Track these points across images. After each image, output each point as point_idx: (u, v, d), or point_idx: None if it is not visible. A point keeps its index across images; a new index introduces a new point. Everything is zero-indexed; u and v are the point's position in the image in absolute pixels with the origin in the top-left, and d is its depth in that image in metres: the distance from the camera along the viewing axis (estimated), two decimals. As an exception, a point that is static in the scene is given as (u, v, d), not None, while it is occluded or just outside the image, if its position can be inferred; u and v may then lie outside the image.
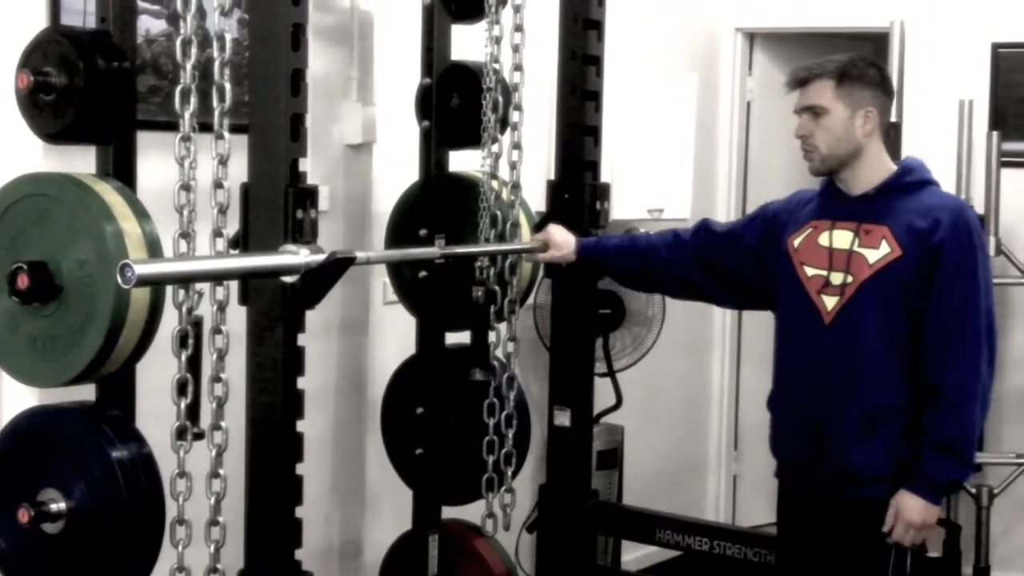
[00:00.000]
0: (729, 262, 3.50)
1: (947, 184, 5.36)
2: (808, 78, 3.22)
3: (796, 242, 3.26)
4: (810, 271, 3.20)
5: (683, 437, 6.07)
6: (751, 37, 6.22)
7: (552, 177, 4.05)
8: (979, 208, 5.25)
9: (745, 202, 6.22)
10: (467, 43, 3.87)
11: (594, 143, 3.95)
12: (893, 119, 5.10)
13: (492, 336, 3.71)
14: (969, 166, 5.35)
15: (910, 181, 3.22)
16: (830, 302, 3.16)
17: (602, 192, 3.97)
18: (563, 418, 4.00)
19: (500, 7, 3.62)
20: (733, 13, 6.12)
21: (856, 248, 3.14)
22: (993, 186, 5.13)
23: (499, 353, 3.71)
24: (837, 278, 3.15)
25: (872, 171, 3.21)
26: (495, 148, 3.65)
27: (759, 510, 6.33)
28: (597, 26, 3.95)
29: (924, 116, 5.46)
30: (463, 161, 3.92)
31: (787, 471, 3.38)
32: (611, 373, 4.91)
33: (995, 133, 5.16)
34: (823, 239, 3.20)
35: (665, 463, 5.84)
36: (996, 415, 5.42)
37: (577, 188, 3.93)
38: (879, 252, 3.11)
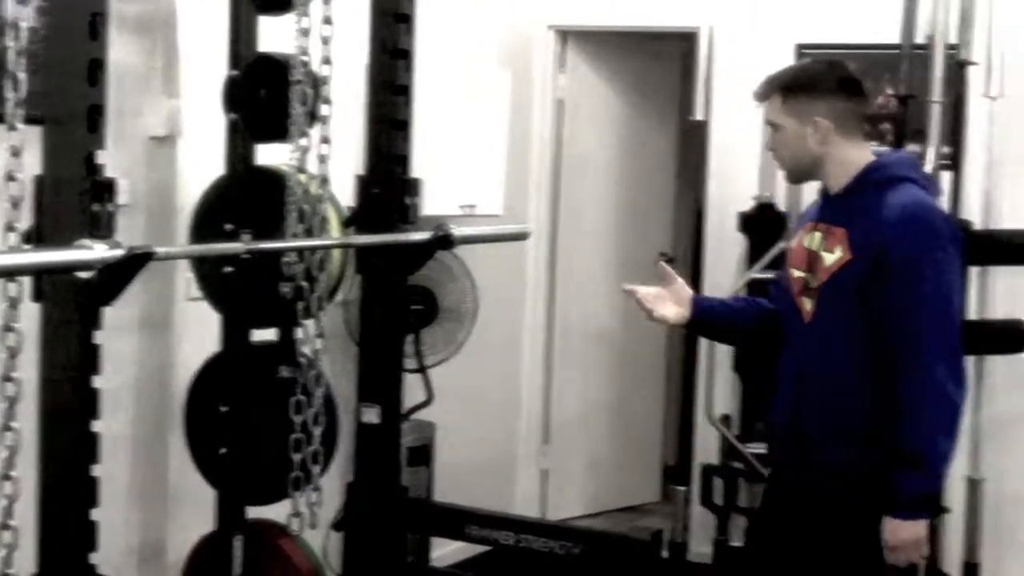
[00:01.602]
0: None
1: (752, 182, 5.53)
2: (762, 94, 3.23)
3: (792, 245, 3.29)
4: (795, 273, 3.21)
5: (494, 432, 6.09)
6: (564, 35, 6.26)
7: (361, 172, 4.01)
8: (782, 206, 5.38)
9: (557, 200, 6.26)
10: (276, 35, 3.80)
11: (404, 138, 3.93)
12: (700, 117, 5.29)
13: (299, 333, 3.66)
14: (773, 164, 5.45)
15: (877, 179, 3.15)
16: (808, 304, 3.16)
17: (412, 187, 3.95)
18: (371, 415, 3.97)
19: (309, -2, 3.56)
20: (546, 11, 6.15)
21: (820, 250, 3.14)
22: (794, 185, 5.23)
23: (306, 350, 3.66)
24: (812, 280, 3.15)
25: (841, 172, 3.17)
26: (303, 142, 3.58)
27: (569, 503, 6.39)
28: (407, 20, 3.93)
29: (732, 115, 5.55)
30: (271, 155, 3.86)
31: (775, 468, 3.43)
32: (422, 369, 4.89)
33: (798, 133, 5.26)
34: (807, 241, 3.20)
35: (476, 459, 5.85)
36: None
37: (386, 183, 3.90)
38: (834, 255, 3.10)
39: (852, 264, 3.06)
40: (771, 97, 3.19)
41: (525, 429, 6.28)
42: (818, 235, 3.16)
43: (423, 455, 5.03)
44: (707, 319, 3.39)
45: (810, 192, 5.13)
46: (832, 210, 3.18)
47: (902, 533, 3.05)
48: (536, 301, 6.25)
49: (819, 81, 3.19)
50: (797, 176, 3.28)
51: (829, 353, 3.14)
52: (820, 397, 3.16)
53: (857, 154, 3.18)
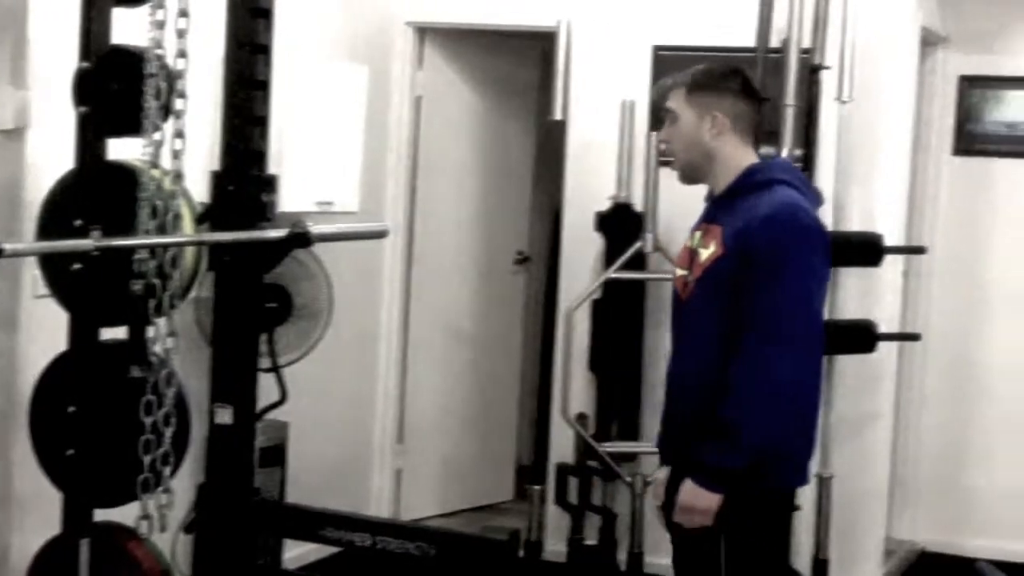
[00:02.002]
0: None
1: (609, 182, 5.56)
2: (668, 87, 3.36)
3: (682, 248, 3.42)
4: (679, 272, 3.35)
5: (348, 432, 6.03)
6: (422, 32, 6.22)
7: (216, 168, 3.94)
8: (638, 206, 5.42)
9: (414, 197, 6.23)
10: (130, 27, 3.71)
11: (261, 134, 3.88)
12: (559, 117, 5.30)
13: (151, 331, 3.57)
14: (630, 165, 5.51)
15: (755, 181, 3.26)
16: (685, 298, 3.30)
17: (269, 184, 3.89)
18: (224, 416, 3.90)
19: (164, -10, 3.48)
20: (404, 7, 6.11)
21: (698, 247, 3.26)
22: (651, 185, 5.28)
23: (158, 349, 3.58)
24: (689, 276, 3.27)
25: (727, 173, 3.29)
26: (157, 136, 3.51)
27: (423, 503, 6.36)
28: (266, 15, 3.88)
29: (589, 115, 5.59)
30: (124, 149, 3.76)
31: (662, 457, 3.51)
32: (276, 369, 4.81)
33: (654, 134, 5.31)
34: (690, 242, 3.34)
35: (330, 459, 5.79)
36: (649, 405, 5.60)
37: (242, 180, 3.84)
38: (708, 251, 3.22)
39: (723, 259, 3.17)
40: (676, 89, 3.32)
41: (380, 429, 6.23)
42: (699, 234, 3.30)
43: (276, 455, 4.96)
44: None
45: (671, 194, 5.28)
46: (714, 211, 3.31)
47: (698, 500, 3.16)
48: (392, 299, 6.20)
49: (725, 79, 3.33)
50: (689, 172, 3.36)
51: (698, 341, 3.27)
52: (689, 386, 3.28)
53: (743, 156, 3.31)
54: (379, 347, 6.20)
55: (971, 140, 6.17)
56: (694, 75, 3.33)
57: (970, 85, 6.15)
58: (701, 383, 3.23)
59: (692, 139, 3.29)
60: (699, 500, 3.16)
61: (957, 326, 6.17)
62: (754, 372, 3.10)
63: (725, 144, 3.29)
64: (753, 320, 3.12)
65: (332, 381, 5.71)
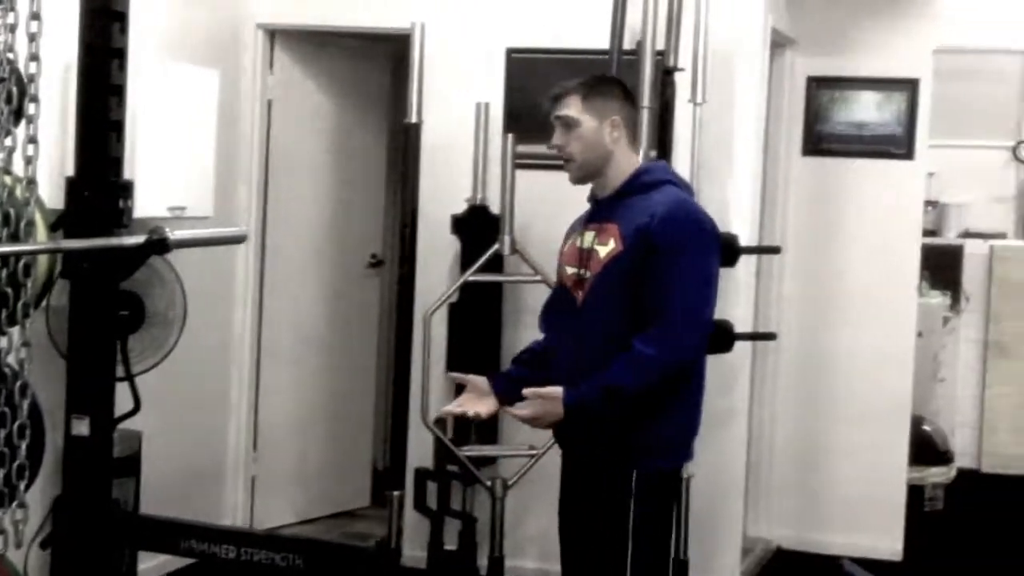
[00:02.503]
0: None
1: (465, 184, 5.55)
2: (559, 95, 3.53)
3: (565, 248, 3.62)
4: (569, 270, 3.54)
5: (202, 440, 5.92)
6: (272, 34, 6.14)
7: (70, 173, 3.83)
8: (495, 209, 5.41)
9: (267, 200, 6.14)
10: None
11: (117, 139, 3.78)
12: (414, 119, 5.27)
13: (2, 341, 3.45)
14: (486, 167, 5.51)
15: (644, 182, 3.50)
16: (579, 295, 3.48)
17: (125, 190, 3.80)
18: (81, 427, 3.79)
19: (15, -8, 3.37)
20: (254, 9, 6.02)
21: (594, 246, 3.45)
22: (508, 187, 5.28)
23: (11, 360, 3.46)
24: (584, 273, 3.47)
25: (619, 175, 3.51)
26: (8, 142, 3.39)
27: (278, 511, 6.28)
28: (121, 18, 3.78)
29: (444, 117, 5.56)
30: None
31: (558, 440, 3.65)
32: (129, 377, 4.69)
33: (510, 136, 5.30)
34: (578, 241, 3.54)
35: (183, 468, 5.68)
36: (510, 409, 5.60)
37: (99, 185, 3.73)
38: (607, 248, 3.42)
39: (623, 254, 3.40)
40: (569, 96, 3.50)
41: (234, 436, 6.13)
42: (591, 234, 3.49)
43: (130, 466, 4.83)
44: (514, 391, 3.54)
45: (527, 197, 5.30)
46: (603, 211, 3.51)
47: (546, 411, 3.37)
48: (245, 304, 6.11)
49: (614, 86, 3.63)
50: (585, 172, 3.54)
51: (597, 334, 3.45)
52: (586, 367, 3.40)
53: (632, 160, 3.58)
54: (232, 353, 6.10)
55: (820, 140, 6.30)
56: (586, 83, 3.54)
57: (818, 86, 6.28)
58: (595, 367, 3.37)
59: (592, 143, 3.49)
60: (548, 410, 3.37)
61: (808, 325, 6.29)
62: (644, 358, 3.33)
63: (619, 148, 3.51)
64: (658, 299, 3.34)
65: (184, 389, 5.60)
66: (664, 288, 3.36)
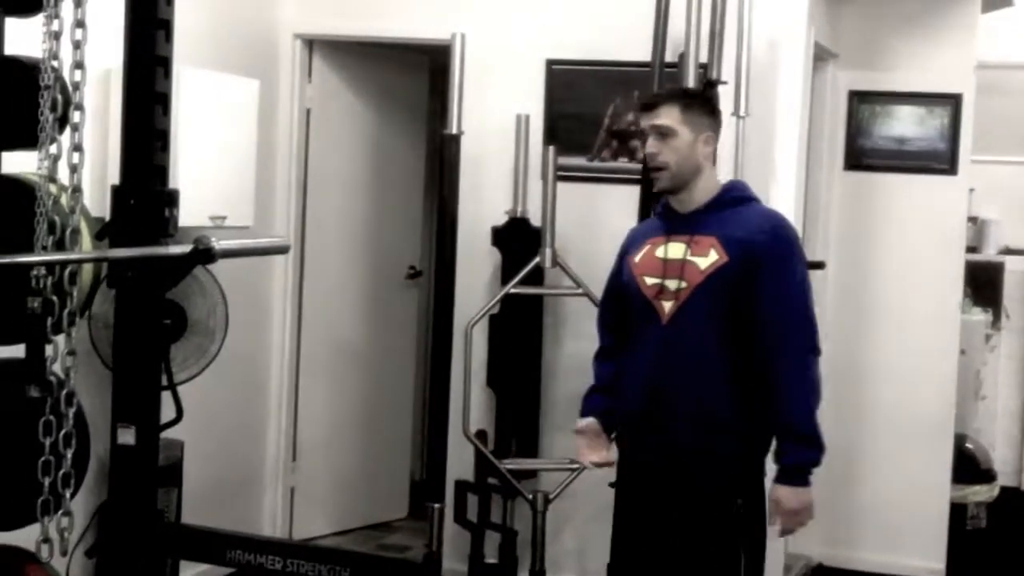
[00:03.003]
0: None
1: (504, 196, 5.53)
2: (655, 103, 3.65)
3: (636, 258, 3.67)
4: (649, 280, 3.60)
5: (241, 450, 5.92)
6: (310, 44, 6.14)
7: (111, 181, 3.82)
8: (535, 221, 5.39)
9: (305, 210, 6.13)
10: (25, 37, 3.59)
11: (163, 147, 3.75)
12: (454, 130, 5.25)
13: (48, 349, 3.45)
14: (526, 179, 5.48)
15: (733, 197, 3.66)
16: (667, 305, 3.56)
17: (170, 198, 3.77)
18: (127, 436, 3.77)
19: (60, 0, 3.37)
20: (292, 19, 6.02)
21: (689, 257, 3.54)
22: (549, 199, 5.26)
23: (56, 368, 3.45)
24: (672, 284, 3.55)
25: (705, 190, 3.64)
26: (53, 149, 3.39)
27: (316, 521, 6.27)
28: (166, 26, 3.74)
29: (484, 128, 5.55)
30: (20, 163, 3.63)
31: (630, 458, 3.76)
32: (172, 386, 4.68)
33: (551, 147, 5.29)
34: (659, 252, 3.61)
35: (222, 477, 5.68)
36: (549, 421, 5.58)
37: (144, 194, 3.72)
38: (708, 259, 3.53)
39: (727, 266, 3.52)
40: (667, 106, 3.62)
41: (272, 446, 6.13)
42: (680, 246, 3.58)
43: (172, 475, 4.84)
44: (612, 421, 3.76)
45: (567, 209, 5.27)
46: (691, 224, 3.61)
47: (794, 501, 3.50)
48: (284, 315, 6.11)
49: (708, 103, 3.76)
50: (676, 183, 3.64)
51: (695, 346, 3.55)
52: (683, 385, 3.55)
53: (715, 176, 3.71)
54: (271, 364, 6.09)
55: (861, 155, 6.25)
56: (686, 94, 3.77)
57: (859, 100, 6.24)
58: (698, 378, 3.54)
59: (686, 154, 3.60)
60: (800, 501, 3.50)
61: (848, 340, 6.24)
62: (796, 371, 3.49)
63: (709, 164, 3.66)
64: (780, 320, 3.49)
65: (223, 399, 5.60)
66: (783, 295, 3.51)
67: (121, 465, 3.82)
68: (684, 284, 3.54)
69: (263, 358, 6.04)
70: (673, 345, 3.56)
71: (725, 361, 3.54)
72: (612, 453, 3.77)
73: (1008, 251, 8.19)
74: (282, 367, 6.11)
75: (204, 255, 3.67)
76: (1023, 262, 8.11)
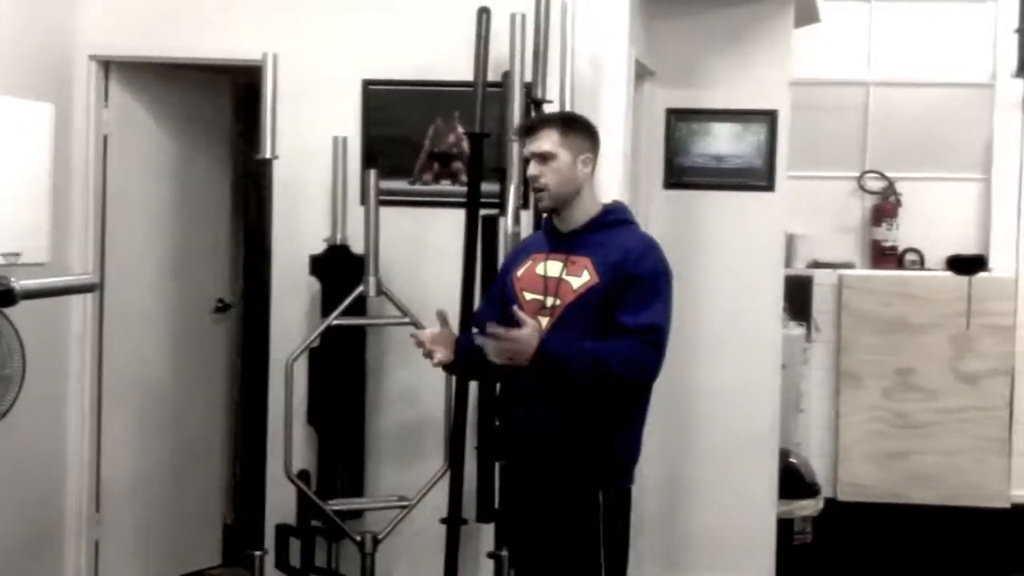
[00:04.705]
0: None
1: (320, 222, 5.27)
2: (535, 128, 3.82)
3: (519, 272, 3.83)
4: (528, 296, 3.75)
5: (38, 503, 5.48)
6: (106, 65, 5.75)
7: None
8: (355, 248, 5.16)
9: (104, 242, 5.75)
10: None
11: (-46, 180, 3.40)
12: (268, 155, 4.98)
13: None
14: (344, 204, 5.23)
15: (612, 220, 3.80)
16: (544, 321, 3.68)
17: (-36, 237, 3.43)
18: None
19: None
20: (86, 39, 5.62)
21: (564, 276, 3.69)
22: (372, 225, 5.02)
23: None
24: (549, 301, 3.70)
25: (584, 210, 3.78)
26: None
27: (123, 574, 5.88)
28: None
29: (299, 151, 5.28)
30: None
31: (513, 461, 3.94)
32: (-35, 440, 4.31)
33: (373, 171, 5.05)
34: (539, 269, 3.77)
35: (19, 533, 5.26)
36: (374, 457, 5.34)
37: (-65, 232, 3.36)
38: (581, 279, 3.68)
39: (598, 287, 3.66)
40: (546, 130, 3.77)
41: (73, 497, 5.69)
42: (557, 264, 3.73)
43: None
44: (468, 358, 3.85)
45: (388, 235, 5.05)
46: (570, 244, 3.76)
47: (523, 341, 3.54)
48: (83, 354, 5.69)
49: (588, 126, 3.87)
50: (557, 203, 3.77)
51: None
52: (552, 401, 3.67)
53: (595, 197, 3.85)
54: (68, 408, 5.66)
55: (680, 173, 6.17)
56: (564, 117, 3.94)
57: (676, 118, 6.15)
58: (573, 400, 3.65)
59: (570, 177, 3.75)
60: (524, 343, 3.54)
61: (671, 358, 6.08)
62: (631, 354, 3.58)
63: (589, 184, 3.80)
64: (637, 328, 3.59)
65: (16, 449, 5.17)
66: (641, 309, 3.61)
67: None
68: (558, 302, 3.69)
69: (59, 403, 5.60)
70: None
71: None
72: (446, 355, 3.89)
73: (816, 264, 8.26)
74: (82, 410, 5.69)
75: (4, 297, 3.35)
76: (831, 275, 8.19)
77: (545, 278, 3.74)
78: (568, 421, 3.69)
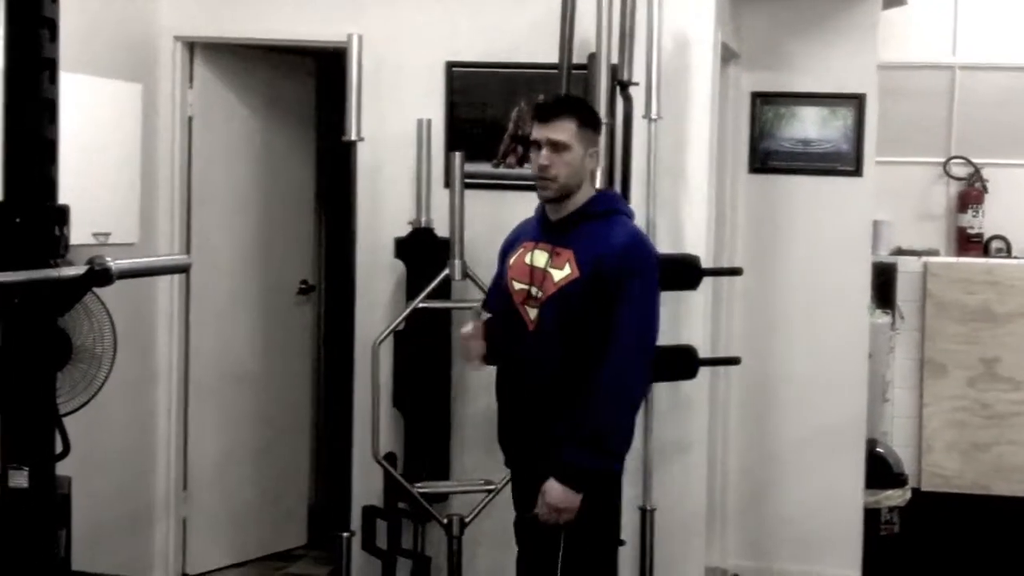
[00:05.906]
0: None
1: (404, 205, 5.26)
2: (552, 117, 3.72)
3: (512, 260, 3.84)
4: (517, 285, 3.77)
5: (128, 481, 5.54)
6: (191, 46, 5.78)
7: (-2, 198, 3.47)
8: (440, 231, 5.14)
9: (190, 224, 5.78)
10: None
11: (51, 159, 3.42)
12: (353, 137, 4.97)
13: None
14: (428, 187, 5.22)
15: (599, 210, 3.75)
16: (532, 312, 3.72)
17: (60, 215, 3.44)
18: (19, 479, 3.42)
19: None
20: (171, 20, 5.64)
21: (548, 267, 3.70)
22: (457, 208, 5.00)
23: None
24: (534, 291, 3.71)
25: (576, 201, 3.75)
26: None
27: (211, 554, 5.93)
28: (51, 25, 3.42)
29: (383, 134, 5.28)
30: None
31: (509, 454, 3.92)
32: (57, 418, 4.32)
33: (458, 154, 5.02)
34: (527, 258, 3.77)
35: (110, 510, 5.31)
36: (460, 441, 5.33)
37: (32, 211, 3.38)
38: (562, 272, 3.67)
39: (578, 281, 3.65)
40: (565, 120, 3.71)
41: (162, 476, 5.75)
42: (543, 254, 3.73)
43: (61, 514, 4.45)
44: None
45: (473, 218, 5.02)
46: (556, 233, 3.75)
47: (559, 498, 3.58)
48: (170, 336, 5.74)
49: (598, 119, 3.88)
50: (562, 194, 3.73)
51: (551, 354, 3.68)
52: (544, 387, 3.69)
53: (591, 187, 3.81)
54: (157, 390, 5.72)
55: (766, 157, 6.09)
56: (582, 110, 3.80)
57: (763, 102, 6.08)
58: (554, 389, 3.66)
59: (579, 169, 3.73)
60: (568, 500, 3.57)
61: (758, 347, 6.07)
62: (618, 382, 3.58)
63: (590, 174, 3.79)
64: (614, 335, 3.58)
65: (108, 429, 5.24)
66: (617, 311, 3.59)
67: (14, 510, 3.46)
68: (542, 293, 3.70)
69: (149, 383, 5.67)
70: (536, 357, 3.72)
71: (575, 367, 3.64)
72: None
73: (900, 252, 8.12)
74: (170, 392, 5.74)
75: (100, 277, 3.39)
76: (915, 263, 8.04)
77: (532, 268, 3.74)
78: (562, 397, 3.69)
